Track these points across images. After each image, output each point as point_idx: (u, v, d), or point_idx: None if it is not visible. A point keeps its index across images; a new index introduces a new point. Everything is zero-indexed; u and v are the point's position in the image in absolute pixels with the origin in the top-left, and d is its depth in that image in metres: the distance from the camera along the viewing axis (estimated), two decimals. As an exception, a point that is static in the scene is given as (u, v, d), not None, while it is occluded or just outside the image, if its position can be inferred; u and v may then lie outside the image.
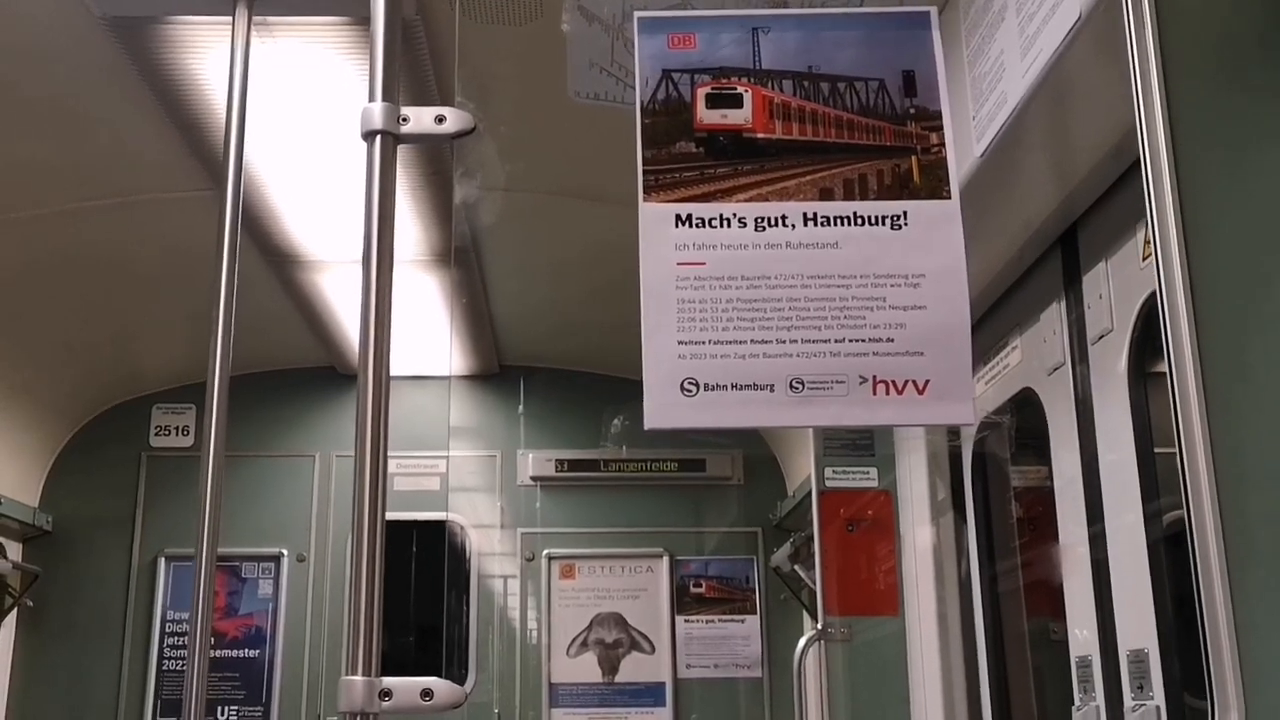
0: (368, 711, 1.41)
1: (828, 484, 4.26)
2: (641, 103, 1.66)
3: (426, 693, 1.41)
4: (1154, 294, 1.77)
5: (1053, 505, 3.00)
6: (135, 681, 5.81)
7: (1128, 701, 2.54)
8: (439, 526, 5.96)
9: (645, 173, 1.63)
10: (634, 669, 5.96)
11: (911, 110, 1.66)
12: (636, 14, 1.70)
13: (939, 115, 1.66)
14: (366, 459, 1.52)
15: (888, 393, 1.55)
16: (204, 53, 3.28)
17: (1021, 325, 3.16)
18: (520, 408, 6.16)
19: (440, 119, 1.64)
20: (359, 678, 1.41)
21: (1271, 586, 1.58)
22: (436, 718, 1.47)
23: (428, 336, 5.40)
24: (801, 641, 4.18)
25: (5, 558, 5.58)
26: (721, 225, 1.60)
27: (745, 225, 1.60)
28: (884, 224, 1.60)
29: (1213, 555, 1.59)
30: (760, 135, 1.65)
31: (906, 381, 1.55)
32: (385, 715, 1.43)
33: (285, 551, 5.96)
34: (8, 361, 5.29)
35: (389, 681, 1.42)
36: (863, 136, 1.65)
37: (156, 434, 6.06)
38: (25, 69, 3.40)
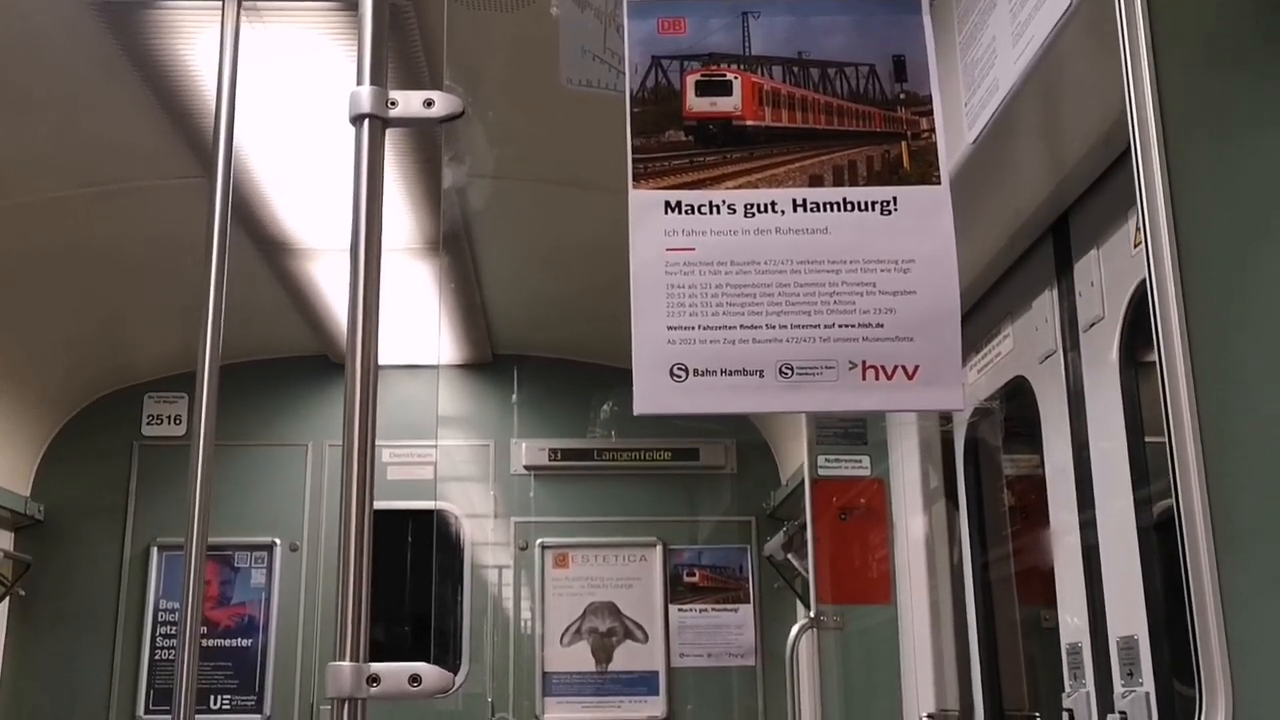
0: (356, 697, 1.41)
1: (820, 472, 4.26)
2: (631, 90, 1.65)
3: (414, 678, 1.41)
4: (1145, 281, 1.77)
5: (1044, 493, 3.00)
6: (127, 671, 5.80)
7: (1117, 688, 2.54)
8: (431, 516, 5.96)
9: (635, 160, 1.62)
10: (627, 658, 5.96)
11: (902, 96, 1.66)
12: (626, -1, 1.70)
13: (929, 100, 1.66)
14: (355, 447, 1.52)
15: (877, 378, 1.55)
16: (193, 38, 3.27)
17: (1013, 313, 3.16)
18: (514, 396, 6.15)
19: (429, 103, 1.63)
20: (347, 663, 1.41)
21: (1259, 573, 1.59)
22: (428, 704, 1.47)
23: (421, 325, 5.38)
24: (794, 630, 4.19)
25: (-3, 547, 5.59)
26: (711, 212, 1.59)
27: (735, 211, 1.59)
28: (874, 210, 1.60)
29: (1201, 542, 1.59)
30: (750, 122, 1.64)
31: (896, 367, 1.55)
32: (374, 701, 1.43)
33: (278, 540, 5.96)
34: (-1, 350, 5.29)
35: (377, 667, 1.42)
36: (852, 122, 1.64)
37: (148, 423, 6.05)
38: (13, 56, 3.39)
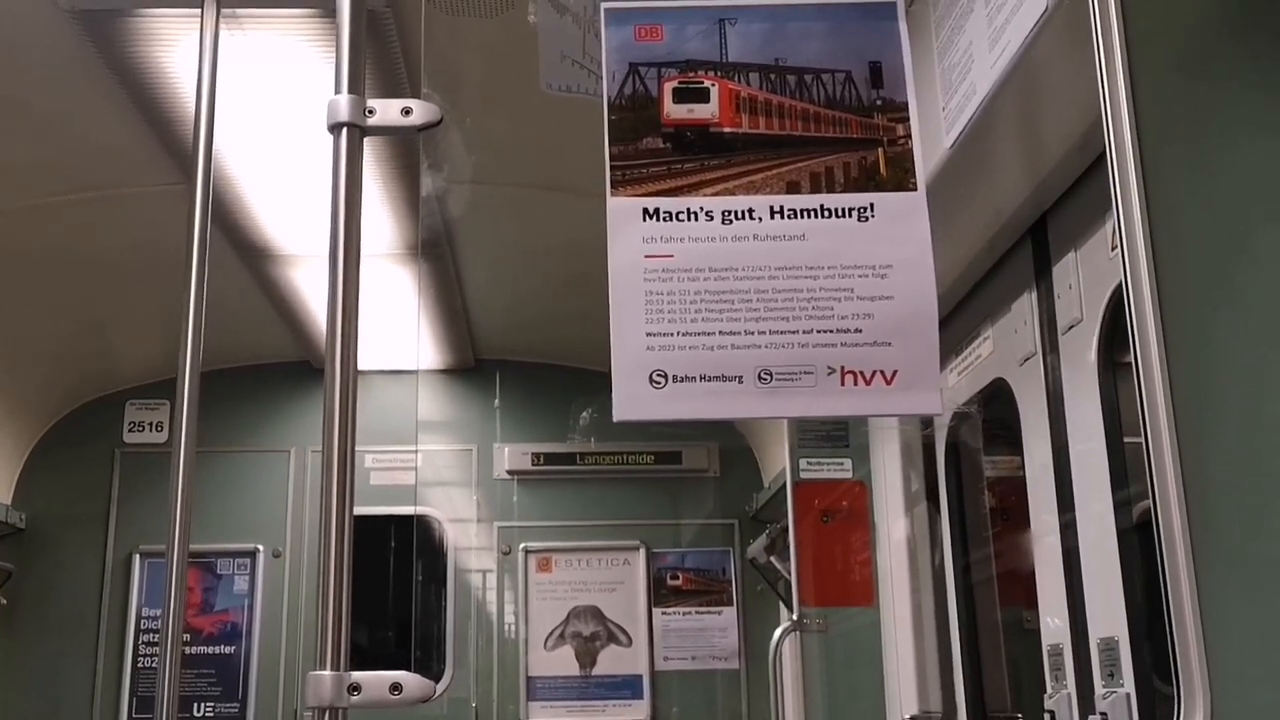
0: (336, 706, 1.41)
1: (803, 475, 4.27)
2: (608, 98, 1.66)
3: (395, 687, 1.41)
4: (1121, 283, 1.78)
5: (1025, 495, 3.01)
6: (110, 679, 5.78)
7: (1098, 689, 2.55)
8: (413, 521, 5.96)
9: (613, 168, 1.63)
10: (611, 662, 5.96)
11: (878, 102, 1.67)
12: (603, 5, 1.70)
13: (905, 107, 1.66)
14: (334, 453, 1.52)
15: (855, 383, 1.55)
16: (173, 46, 3.27)
17: (993, 316, 3.17)
18: (496, 401, 6.15)
19: (407, 111, 1.63)
20: (327, 672, 1.41)
21: (1236, 574, 1.60)
22: (412, 710, 1.47)
23: (403, 330, 5.38)
24: (777, 632, 4.20)
25: (-22, 556, 5.57)
26: (689, 219, 1.60)
27: (712, 219, 1.60)
28: (850, 216, 1.60)
29: (1179, 544, 1.60)
30: (727, 129, 1.65)
31: (874, 372, 1.56)
32: (355, 710, 1.43)
33: (261, 547, 5.94)
34: (-21, 358, 5.27)
35: (358, 676, 1.42)
36: (829, 129, 1.65)
37: (130, 430, 6.03)
38: (-8, 64, 3.38)
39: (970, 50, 2.41)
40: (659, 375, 1.55)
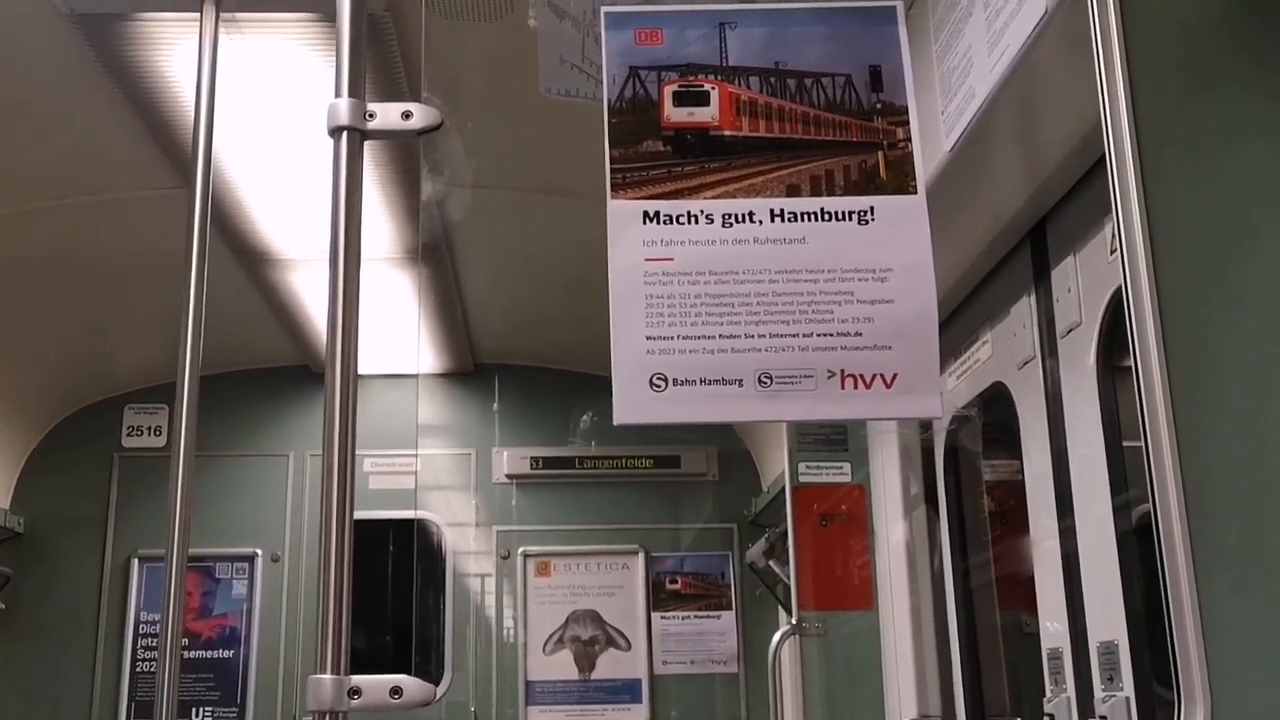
0: (336, 710, 1.40)
1: (802, 479, 4.27)
2: (608, 101, 1.66)
3: (395, 690, 1.41)
4: (1121, 287, 1.78)
5: (1024, 498, 3.01)
6: (109, 683, 5.78)
7: (1098, 693, 2.55)
8: (413, 525, 5.96)
9: (613, 171, 1.63)
10: (610, 666, 5.96)
11: (878, 105, 1.67)
12: (603, 9, 1.70)
13: (905, 110, 1.67)
14: (334, 457, 1.52)
15: (856, 386, 1.56)
16: (172, 50, 3.27)
17: (992, 319, 3.17)
18: (495, 405, 6.15)
19: (407, 115, 1.63)
20: (328, 676, 1.41)
21: (1236, 578, 1.60)
22: (411, 714, 1.47)
23: (403, 334, 5.38)
24: (776, 636, 4.19)
25: (-24, 560, 5.56)
26: (689, 222, 1.60)
27: (713, 222, 1.60)
28: (851, 219, 1.61)
29: (1178, 547, 1.60)
30: (727, 133, 1.65)
31: (874, 375, 1.56)
32: (355, 714, 1.43)
33: (260, 551, 5.94)
34: (-22, 362, 5.26)
35: (358, 680, 1.42)
36: (829, 133, 1.65)
37: (129, 434, 6.03)
38: (-8, 68, 3.38)
39: (969, 54, 2.41)
40: (659, 379, 1.55)
